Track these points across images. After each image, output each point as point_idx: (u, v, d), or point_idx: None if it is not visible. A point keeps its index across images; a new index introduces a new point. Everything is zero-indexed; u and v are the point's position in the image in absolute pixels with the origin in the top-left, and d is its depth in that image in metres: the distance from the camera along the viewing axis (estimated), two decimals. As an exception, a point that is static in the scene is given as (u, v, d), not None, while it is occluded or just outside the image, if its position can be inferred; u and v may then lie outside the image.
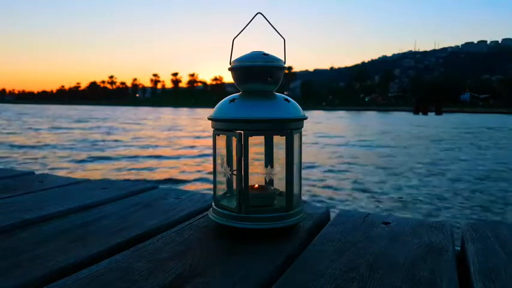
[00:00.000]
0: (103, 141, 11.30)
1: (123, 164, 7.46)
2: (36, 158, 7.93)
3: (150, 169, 6.92)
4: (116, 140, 11.58)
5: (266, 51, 0.68)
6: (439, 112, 46.69)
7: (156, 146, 10.36)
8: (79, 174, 6.38)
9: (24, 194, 0.93)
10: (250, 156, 0.65)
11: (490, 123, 26.05)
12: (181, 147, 10.17)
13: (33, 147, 9.60)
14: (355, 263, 0.56)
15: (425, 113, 45.15)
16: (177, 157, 8.46)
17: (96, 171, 6.65)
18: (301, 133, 0.70)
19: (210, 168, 0.84)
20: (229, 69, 0.70)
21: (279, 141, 0.69)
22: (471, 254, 0.60)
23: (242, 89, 0.70)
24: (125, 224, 0.72)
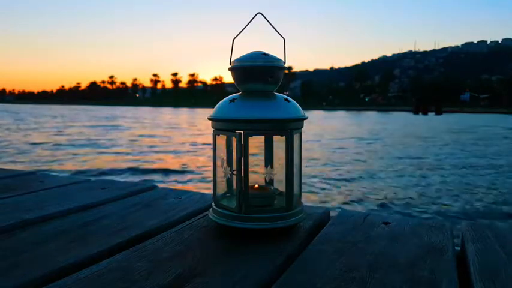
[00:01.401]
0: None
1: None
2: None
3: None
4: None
5: (266, 51, 0.68)
6: (439, 112, 46.68)
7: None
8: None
9: (24, 194, 0.92)
10: (250, 156, 0.65)
11: (482, 122, 26.14)
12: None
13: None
14: (355, 263, 0.56)
15: (425, 113, 45.14)
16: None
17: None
18: (301, 133, 0.70)
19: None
20: (229, 69, 0.69)
21: (279, 141, 0.69)
22: (471, 254, 0.60)
23: (242, 89, 0.70)
24: (125, 224, 0.72)
